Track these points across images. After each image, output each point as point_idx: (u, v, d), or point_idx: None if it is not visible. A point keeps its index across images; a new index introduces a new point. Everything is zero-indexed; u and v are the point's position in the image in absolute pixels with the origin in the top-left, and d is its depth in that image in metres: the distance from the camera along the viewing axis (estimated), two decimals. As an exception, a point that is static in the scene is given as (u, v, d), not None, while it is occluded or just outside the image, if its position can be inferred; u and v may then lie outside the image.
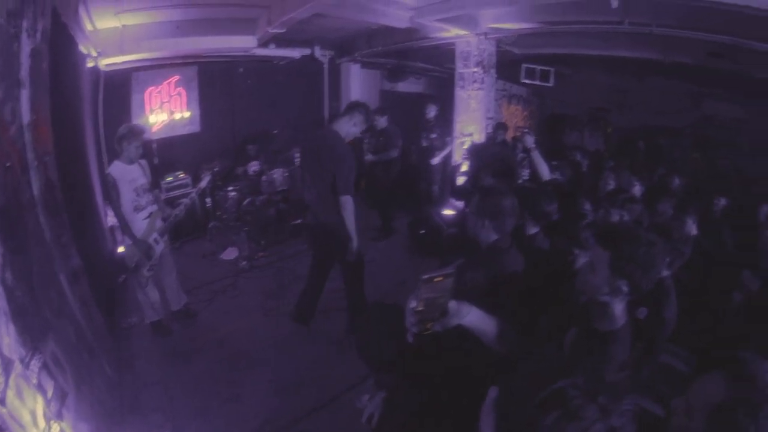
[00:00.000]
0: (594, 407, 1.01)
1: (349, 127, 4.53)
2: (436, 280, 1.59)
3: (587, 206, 4.13)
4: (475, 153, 5.58)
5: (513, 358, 1.89)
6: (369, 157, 7.89)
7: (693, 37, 5.69)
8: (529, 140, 4.94)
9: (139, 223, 4.71)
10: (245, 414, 3.90)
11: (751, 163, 8.61)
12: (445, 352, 2.37)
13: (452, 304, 1.69)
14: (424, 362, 2.66)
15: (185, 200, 5.15)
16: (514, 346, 1.84)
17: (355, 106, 4.62)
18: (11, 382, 1.91)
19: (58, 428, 2.19)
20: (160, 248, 4.86)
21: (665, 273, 3.08)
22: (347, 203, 4.29)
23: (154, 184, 5.01)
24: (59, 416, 2.27)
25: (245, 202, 7.73)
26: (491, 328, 1.82)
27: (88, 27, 5.58)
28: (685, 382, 1.67)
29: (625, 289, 1.96)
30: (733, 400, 1.46)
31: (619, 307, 2.02)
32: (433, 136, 8.68)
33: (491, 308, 1.89)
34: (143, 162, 4.85)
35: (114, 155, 4.76)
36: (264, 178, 8.04)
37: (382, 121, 7.80)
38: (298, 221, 7.88)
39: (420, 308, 1.63)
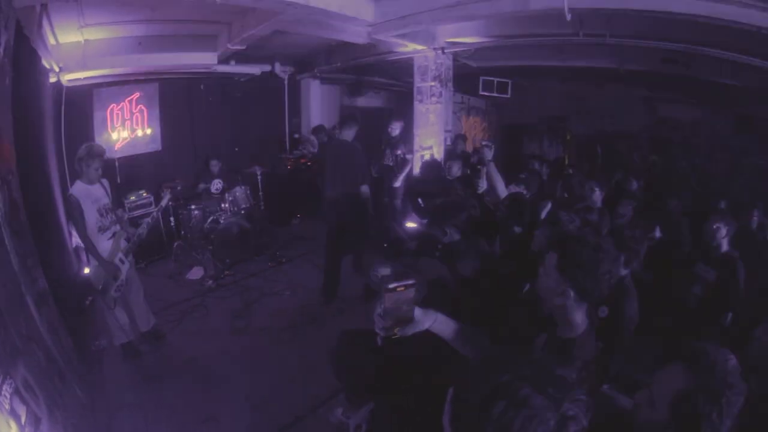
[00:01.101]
0: (542, 397, 1.03)
1: (352, 135, 6.31)
2: (398, 289, 1.67)
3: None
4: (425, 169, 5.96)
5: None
6: None
7: (646, 45, 5.91)
8: (488, 153, 5.04)
9: (104, 243, 4.63)
10: (222, 433, 3.83)
11: (708, 162, 8.94)
12: (415, 366, 2.41)
13: (417, 312, 1.75)
14: (396, 383, 2.69)
15: (147, 219, 5.09)
16: (483, 349, 1.86)
17: (349, 119, 6.42)
18: (-16, 409, 1.83)
19: (34, 455, 2.11)
20: (125, 268, 4.77)
21: (623, 272, 3.17)
22: (366, 188, 6.18)
23: (117, 204, 4.92)
24: (34, 443, 2.19)
25: (209, 221, 7.65)
26: (457, 333, 1.86)
27: (51, 41, 5.45)
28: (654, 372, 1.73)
29: (570, 291, 2.00)
30: (694, 388, 1.52)
31: (578, 314, 2.06)
32: (399, 152, 8.70)
33: None
34: (105, 182, 4.79)
35: (77, 174, 4.65)
36: (227, 195, 7.96)
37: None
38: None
39: (386, 315, 1.69)
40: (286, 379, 4.51)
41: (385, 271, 3.12)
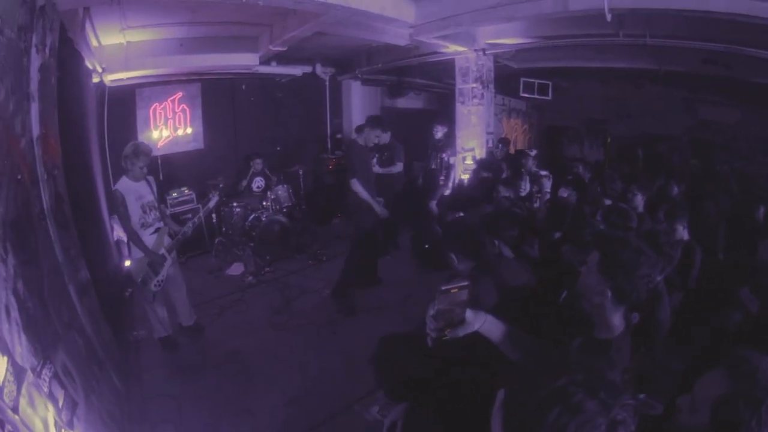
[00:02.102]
0: (595, 402, 1.04)
1: (366, 139, 6.25)
2: (452, 291, 1.68)
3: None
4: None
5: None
6: (377, 169, 7.65)
7: (686, 45, 5.80)
8: (546, 184, 5.02)
9: (146, 238, 4.71)
10: (256, 426, 3.88)
11: (749, 165, 8.67)
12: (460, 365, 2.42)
13: (468, 314, 1.76)
14: (439, 391, 2.70)
15: (194, 219, 5.15)
16: (527, 351, 1.87)
17: (370, 122, 6.37)
18: (24, 390, 1.92)
19: (70, 437, 2.20)
20: (167, 264, 4.84)
21: (657, 278, 3.08)
22: (355, 185, 5.90)
23: (160, 200, 5.02)
24: (70, 425, 2.28)
25: (250, 218, 7.77)
26: (505, 335, 1.86)
27: (94, 43, 5.64)
28: (685, 378, 1.69)
29: (608, 291, 1.99)
30: (734, 394, 1.49)
31: (616, 316, 2.05)
32: (443, 156, 8.67)
33: None
34: (150, 178, 4.86)
35: (119, 170, 4.78)
36: (269, 194, 8.07)
37: (385, 137, 7.51)
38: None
39: (438, 317, 1.70)
40: (323, 376, 4.51)
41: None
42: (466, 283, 1.70)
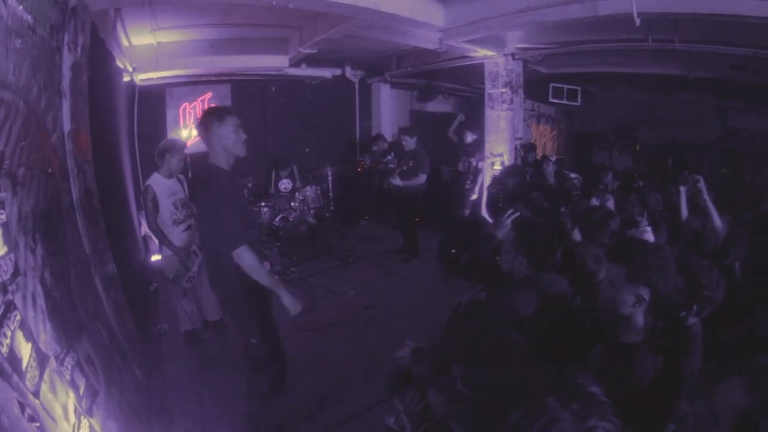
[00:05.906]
0: (566, 412, 1.02)
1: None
2: None
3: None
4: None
5: None
6: (396, 181, 7.56)
7: (716, 50, 5.72)
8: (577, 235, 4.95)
9: (178, 235, 4.77)
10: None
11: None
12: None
13: None
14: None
15: None
16: None
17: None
18: (46, 376, 1.97)
19: (88, 424, 2.24)
20: (198, 261, 4.90)
21: (692, 320, 2.56)
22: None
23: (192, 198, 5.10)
24: (90, 413, 2.33)
25: (277, 218, 7.83)
26: None
27: (125, 43, 5.77)
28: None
29: (646, 297, 1.98)
30: (752, 409, 1.46)
31: (641, 319, 2.04)
32: (472, 160, 8.60)
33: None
34: (182, 177, 4.95)
35: (148, 166, 4.86)
36: (297, 195, 8.12)
37: (410, 143, 7.53)
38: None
39: None
40: (345, 377, 4.49)
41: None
42: None
